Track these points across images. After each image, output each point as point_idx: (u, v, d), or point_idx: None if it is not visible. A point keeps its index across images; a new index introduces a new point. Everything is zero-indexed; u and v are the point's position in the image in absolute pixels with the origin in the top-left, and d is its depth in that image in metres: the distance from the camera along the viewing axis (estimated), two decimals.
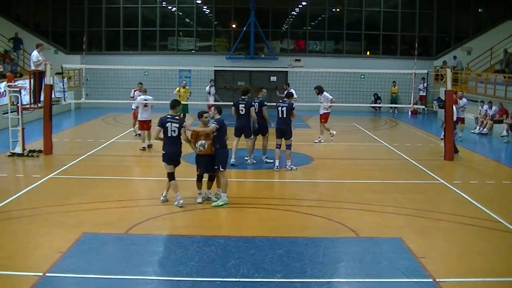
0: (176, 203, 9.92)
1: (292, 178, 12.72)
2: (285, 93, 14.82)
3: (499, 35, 27.35)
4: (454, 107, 15.32)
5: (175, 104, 10.13)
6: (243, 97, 13.43)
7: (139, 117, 16.02)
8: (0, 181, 12.04)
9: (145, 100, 15.93)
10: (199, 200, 10.18)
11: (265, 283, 6.69)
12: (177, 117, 9.97)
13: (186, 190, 11.37)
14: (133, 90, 18.09)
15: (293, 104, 13.42)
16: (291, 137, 13.34)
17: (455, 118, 15.36)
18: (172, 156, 9.94)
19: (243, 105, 13.27)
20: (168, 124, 9.77)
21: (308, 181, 12.63)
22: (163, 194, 10.23)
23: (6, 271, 6.91)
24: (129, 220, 9.08)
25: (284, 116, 13.22)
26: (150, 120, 15.69)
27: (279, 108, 13.28)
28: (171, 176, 9.95)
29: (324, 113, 17.46)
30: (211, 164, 10.04)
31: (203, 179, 10.28)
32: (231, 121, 13.53)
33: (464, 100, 18.74)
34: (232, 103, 13.76)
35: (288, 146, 13.31)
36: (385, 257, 7.61)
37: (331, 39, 30.40)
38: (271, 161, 13.58)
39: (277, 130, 13.39)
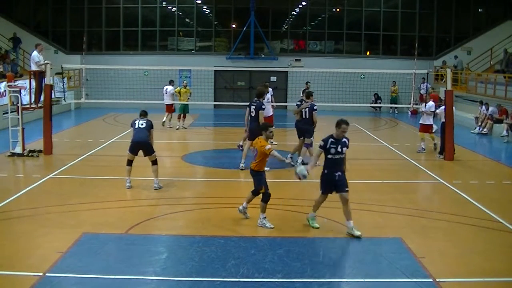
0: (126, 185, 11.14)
1: (292, 178, 12.67)
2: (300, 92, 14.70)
3: (499, 35, 27.34)
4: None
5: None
6: (255, 99, 13.27)
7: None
8: (0, 181, 12.04)
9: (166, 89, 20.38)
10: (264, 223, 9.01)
11: (265, 283, 6.68)
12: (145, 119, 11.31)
13: (187, 190, 11.43)
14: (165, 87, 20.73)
15: (315, 105, 13.59)
16: (311, 136, 13.56)
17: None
18: (133, 144, 11.03)
19: (254, 107, 13.02)
20: (136, 121, 11.10)
21: (308, 181, 12.57)
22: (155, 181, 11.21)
23: (6, 271, 6.91)
24: (129, 220, 9.07)
25: (307, 116, 13.49)
26: (172, 105, 20.30)
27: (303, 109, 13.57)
28: (127, 162, 11.14)
29: None
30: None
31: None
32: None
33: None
34: (247, 104, 13.59)
35: (309, 145, 13.55)
36: (385, 257, 7.61)
37: (331, 39, 30.38)
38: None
39: (299, 129, 13.73)
